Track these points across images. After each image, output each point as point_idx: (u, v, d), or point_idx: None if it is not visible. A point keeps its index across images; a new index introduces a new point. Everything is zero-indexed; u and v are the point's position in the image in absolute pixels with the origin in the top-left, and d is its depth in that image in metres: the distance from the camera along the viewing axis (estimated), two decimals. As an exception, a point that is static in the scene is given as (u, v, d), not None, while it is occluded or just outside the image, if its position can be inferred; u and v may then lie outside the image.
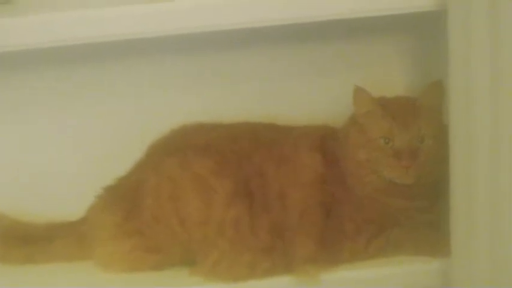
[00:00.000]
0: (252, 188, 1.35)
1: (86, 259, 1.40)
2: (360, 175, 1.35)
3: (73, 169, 1.52)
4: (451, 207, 1.25)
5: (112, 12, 1.25)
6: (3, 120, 1.51)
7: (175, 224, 1.35)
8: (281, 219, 1.34)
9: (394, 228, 1.35)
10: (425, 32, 1.48)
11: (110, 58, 1.47)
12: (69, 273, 1.39)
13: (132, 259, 1.38)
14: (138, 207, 1.38)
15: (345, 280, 1.33)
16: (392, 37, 1.50)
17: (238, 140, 1.40)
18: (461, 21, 1.17)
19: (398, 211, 1.36)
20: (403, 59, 1.52)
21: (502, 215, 1.19)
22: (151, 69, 1.50)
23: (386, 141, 1.33)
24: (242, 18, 1.25)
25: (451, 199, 1.24)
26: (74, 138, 1.52)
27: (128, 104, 1.51)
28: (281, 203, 1.35)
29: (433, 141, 1.32)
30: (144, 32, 1.26)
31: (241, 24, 1.25)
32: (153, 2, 1.24)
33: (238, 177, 1.35)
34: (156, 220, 1.36)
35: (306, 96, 1.52)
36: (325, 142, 1.39)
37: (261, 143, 1.39)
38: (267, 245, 1.33)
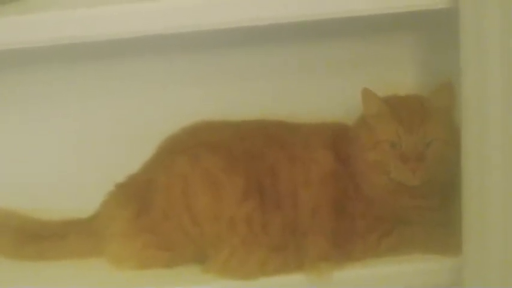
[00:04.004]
0: (263, 185, 1.35)
1: (98, 256, 1.40)
2: (369, 175, 1.35)
3: (83, 167, 1.52)
4: (462, 206, 1.24)
5: (122, 9, 1.24)
6: (14, 117, 1.51)
7: (187, 221, 1.35)
8: (293, 216, 1.34)
9: (406, 227, 1.35)
10: (436, 30, 1.47)
11: (119, 56, 1.47)
12: (81, 269, 1.40)
13: (143, 256, 1.38)
14: (150, 205, 1.38)
15: (356, 278, 1.33)
16: (403, 35, 1.50)
17: (250, 137, 1.40)
18: (473, 19, 1.16)
19: (409, 210, 1.36)
20: (413, 58, 1.51)
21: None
22: (161, 67, 1.50)
23: (393, 144, 1.33)
24: (252, 16, 1.24)
25: (463, 197, 1.24)
26: (84, 135, 1.52)
27: (138, 102, 1.51)
28: (293, 200, 1.35)
29: (442, 143, 1.32)
30: (154, 29, 1.25)
31: (251, 21, 1.24)
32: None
33: (249, 174, 1.35)
34: (168, 217, 1.37)
35: (315, 95, 1.51)
36: (336, 139, 1.39)
37: (273, 141, 1.39)
38: (279, 243, 1.33)
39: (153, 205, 1.37)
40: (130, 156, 1.44)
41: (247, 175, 1.35)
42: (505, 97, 1.16)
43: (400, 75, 1.50)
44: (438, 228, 1.35)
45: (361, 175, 1.35)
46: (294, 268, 1.33)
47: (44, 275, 1.39)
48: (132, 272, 1.37)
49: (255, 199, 1.34)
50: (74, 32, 1.24)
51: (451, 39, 1.22)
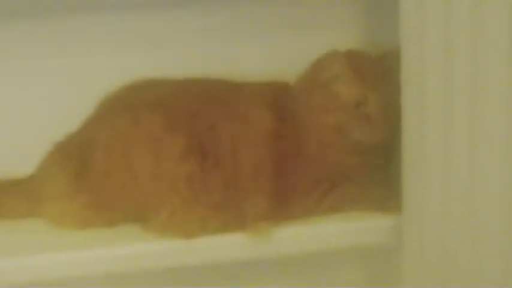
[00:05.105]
0: (204, 144, 1.34)
1: (36, 216, 1.39)
2: (323, 137, 1.35)
3: (21, 126, 1.50)
4: (402, 164, 1.26)
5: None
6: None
7: (127, 181, 1.34)
8: (233, 176, 1.34)
9: (347, 185, 1.36)
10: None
11: (58, 13, 1.44)
12: (21, 231, 1.38)
13: (83, 216, 1.37)
14: (89, 164, 1.36)
15: (296, 236, 1.34)
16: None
17: (190, 96, 1.38)
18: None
19: (352, 168, 1.36)
20: (354, 20, 1.51)
21: (454, 172, 1.20)
22: (101, 26, 1.47)
23: (358, 105, 1.33)
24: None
25: (403, 156, 1.25)
26: (22, 95, 1.49)
27: (76, 60, 1.48)
28: (233, 159, 1.34)
29: (398, 101, 1.30)
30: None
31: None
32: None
33: (190, 133, 1.34)
34: (108, 176, 1.35)
35: (258, 56, 1.51)
36: (278, 98, 1.38)
37: (213, 99, 1.38)
38: (219, 202, 1.33)
39: (92, 164, 1.36)
40: (71, 117, 1.41)
41: (188, 134, 1.34)
42: (444, 55, 1.16)
43: (341, 37, 1.49)
44: (379, 187, 1.37)
45: (310, 135, 1.35)
46: (235, 227, 1.33)
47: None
48: (72, 232, 1.36)
49: (195, 158, 1.33)
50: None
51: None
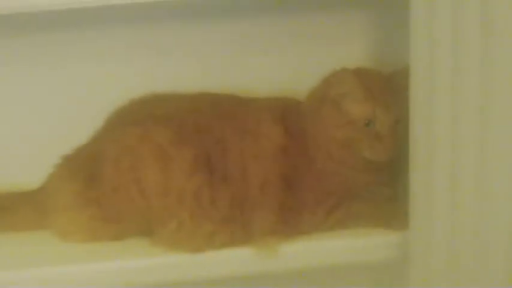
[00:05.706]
0: (212, 159, 1.35)
1: (45, 228, 1.39)
2: (331, 152, 1.35)
3: (31, 139, 1.50)
4: (410, 181, 1.25)
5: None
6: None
7: (135, 194, 1.34)
8: (241, 190, 1.34)
9: (354, 201, 1.36)
10: (388, 6, 1.47)
11: (68, 27, 1.46)
12: (29, 243, 1.38)
13: (90, 229, 1.37)
14: (97, 177, 1.36)
15: (303, 252, 1.34)
16: (354, 10, 1.50)
17: (199, 110, 1.39)
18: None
19: (359, 184, 1.37)
20: (364, 32, 1.51)
21: (460, 189, 1.20)
22: (112, 39, 1.48)
23: (368, 123, 1.33)
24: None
25: (411, 173, 1.25)
26: (32, 108, 1.50)
27: (87, 73, 1.49)
28: (242, 174, 1.34)
29: (406, 121, 1.30)
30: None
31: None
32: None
33: (198, 147, 1.34)
34: (116, 190, 1.35)
35: (267, 69, 1.51)
36: (287, 114, 1.39)
37: (222, 114, 1.38)
38: (227, 216, 1.33)
39: (101, 177, 1.36)
40: (80, 130, 1.42)
41: (196, 148, 1.34)
42: (454, 71, 1.16)
43: (351, 49, 1.51)
44: (386, 203, 1.37)
45: (319, 151, 1.35)
46: (242, 242, 1.33)
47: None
48: (79, 245, 1.36)
49: (204, 172, 1.33)
50: (13, 2, 1.25)
51: (403, 14, 1.23)
